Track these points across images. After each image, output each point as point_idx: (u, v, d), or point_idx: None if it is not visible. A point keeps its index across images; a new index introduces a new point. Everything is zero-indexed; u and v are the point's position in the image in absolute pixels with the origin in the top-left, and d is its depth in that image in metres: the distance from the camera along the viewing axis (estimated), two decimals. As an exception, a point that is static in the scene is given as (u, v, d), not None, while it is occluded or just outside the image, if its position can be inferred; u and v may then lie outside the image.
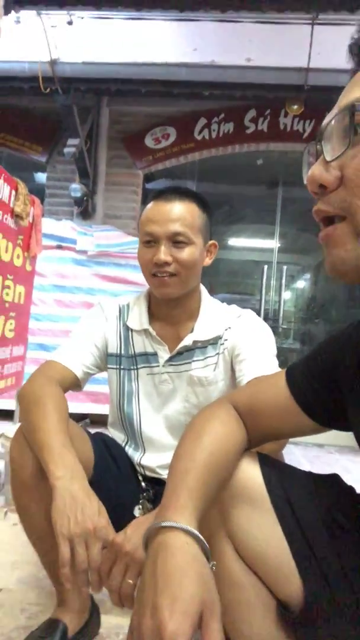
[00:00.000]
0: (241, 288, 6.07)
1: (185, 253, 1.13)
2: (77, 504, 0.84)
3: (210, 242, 1.22)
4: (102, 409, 3.34)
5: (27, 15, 3.35)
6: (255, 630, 0.70)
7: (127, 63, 3.55)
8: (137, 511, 1.19)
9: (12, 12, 3.23)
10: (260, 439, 0.81)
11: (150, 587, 0.53)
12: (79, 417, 3.30)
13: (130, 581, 0.79)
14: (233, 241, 6.10)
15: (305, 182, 0.57)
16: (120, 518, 0.95)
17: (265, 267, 4.75)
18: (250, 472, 0.73)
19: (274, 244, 4.95)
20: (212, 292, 1.30)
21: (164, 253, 1.11)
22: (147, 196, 1.22)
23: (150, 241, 1.14)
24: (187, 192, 1.17)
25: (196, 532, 0.58)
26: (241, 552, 0.71)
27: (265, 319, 5.02)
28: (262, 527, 0.70)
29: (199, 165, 4.65)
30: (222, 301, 1.31)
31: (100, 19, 3.30)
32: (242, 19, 3.12)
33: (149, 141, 4.39)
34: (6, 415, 3.10)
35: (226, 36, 3.31)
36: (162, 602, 0.49)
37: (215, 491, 0.69)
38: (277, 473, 0.74)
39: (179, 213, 1.13)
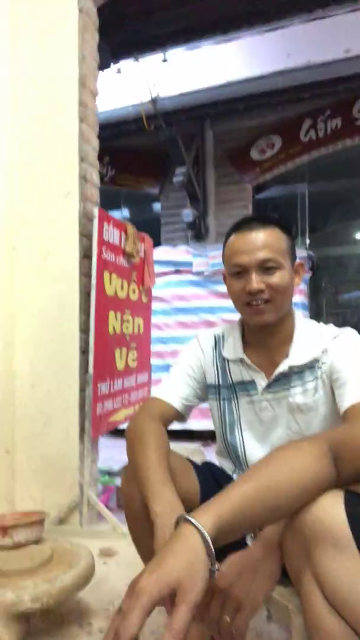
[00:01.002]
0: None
1: (276, 277, 1.13)
2: (175, 539, 0.88)
3: (297, 262, 1.20)
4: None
5: (124, 62, 3.62)
6: None
7: (222, 85, 3.63)
8: (248, 539, 1.20)
9: (112, 64, 3.52)
10: (351, 477, 0.78)
11: (153, 559, 0.64)
12: (209, 435, 3.38)
13: (228, 618, 0.80)
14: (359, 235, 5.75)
15: None
16: (229, 545, 0.98)
17: None
18: (333, 511, 0.71)
19: None
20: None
21: (255, 282, 1.11)
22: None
23: (240, 272, 1.15)
24: (266, 218, 1.17)
25: (205, 532, 0.65)
26: (327, 594, 0.69)
27: None
28: (347, 571, 0.68)
29: (308, 167, 4.52)
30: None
31: (191, 50, 3.43)
32: (333, 13, 2.99)
33: (254, 153, 4.39)
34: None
35: (319, 34, 3.21)
36: (147, 569, 0.61)
37: (262, 512, 0.72)
38: None
39: (265, 240, 1.13)
